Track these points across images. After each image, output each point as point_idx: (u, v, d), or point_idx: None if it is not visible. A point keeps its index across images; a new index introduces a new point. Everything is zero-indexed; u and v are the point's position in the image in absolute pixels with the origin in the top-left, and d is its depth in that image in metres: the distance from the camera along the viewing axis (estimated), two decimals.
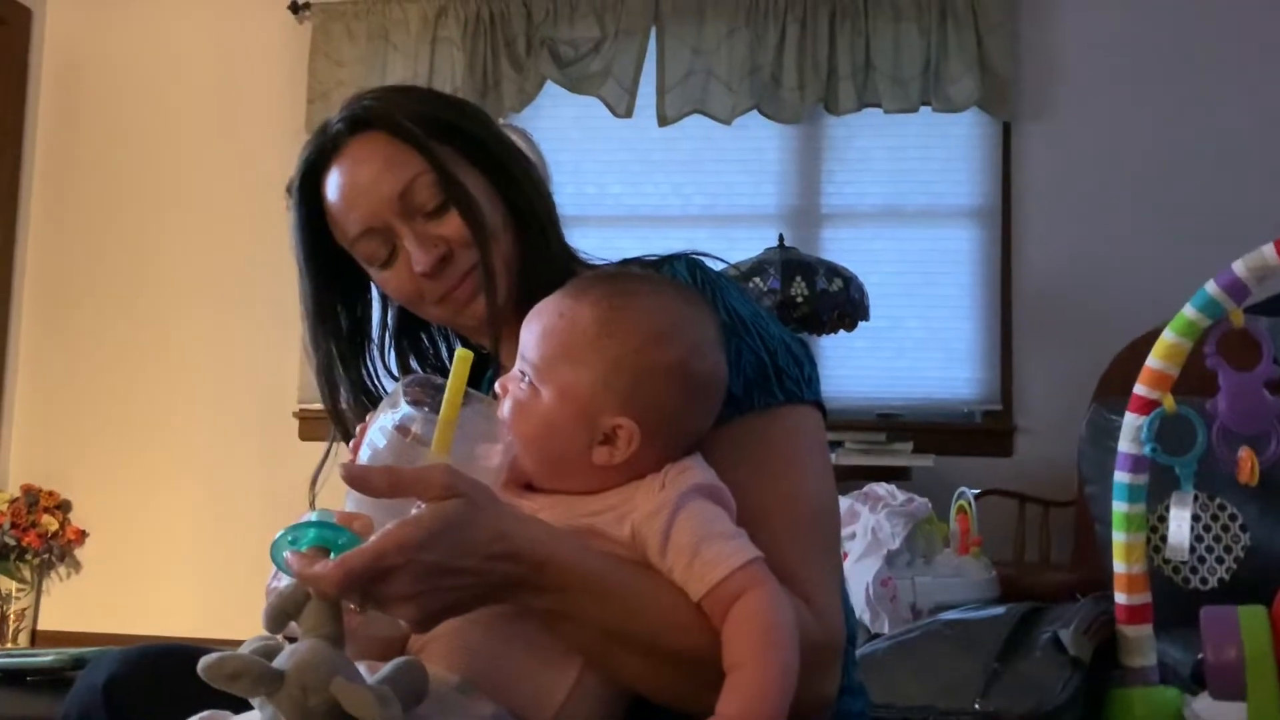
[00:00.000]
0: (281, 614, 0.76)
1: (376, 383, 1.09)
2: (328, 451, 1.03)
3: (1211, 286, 1.43)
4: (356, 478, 0.77)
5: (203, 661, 0.71)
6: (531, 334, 0.88)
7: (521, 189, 1.04)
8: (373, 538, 0.74)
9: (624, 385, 0.83)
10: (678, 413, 0.85)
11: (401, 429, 0.80)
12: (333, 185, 1.01)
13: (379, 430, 0.81)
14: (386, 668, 0.76)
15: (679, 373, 0.85)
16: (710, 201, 3.99)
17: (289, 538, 0.76)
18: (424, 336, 1.15)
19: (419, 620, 0.77)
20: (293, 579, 0.75)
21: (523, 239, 1.03)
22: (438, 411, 0.81)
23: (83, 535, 4.11)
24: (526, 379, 0.86)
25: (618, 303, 0.86)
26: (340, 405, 1.06)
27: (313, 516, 0.78)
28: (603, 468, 0.84)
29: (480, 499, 0.77)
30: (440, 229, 0.99)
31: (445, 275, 1.00)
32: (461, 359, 0.80)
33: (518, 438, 0.86)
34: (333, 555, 0.75)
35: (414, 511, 0.75)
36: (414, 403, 0.83)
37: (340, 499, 0.82)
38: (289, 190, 1.04)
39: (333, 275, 1.06)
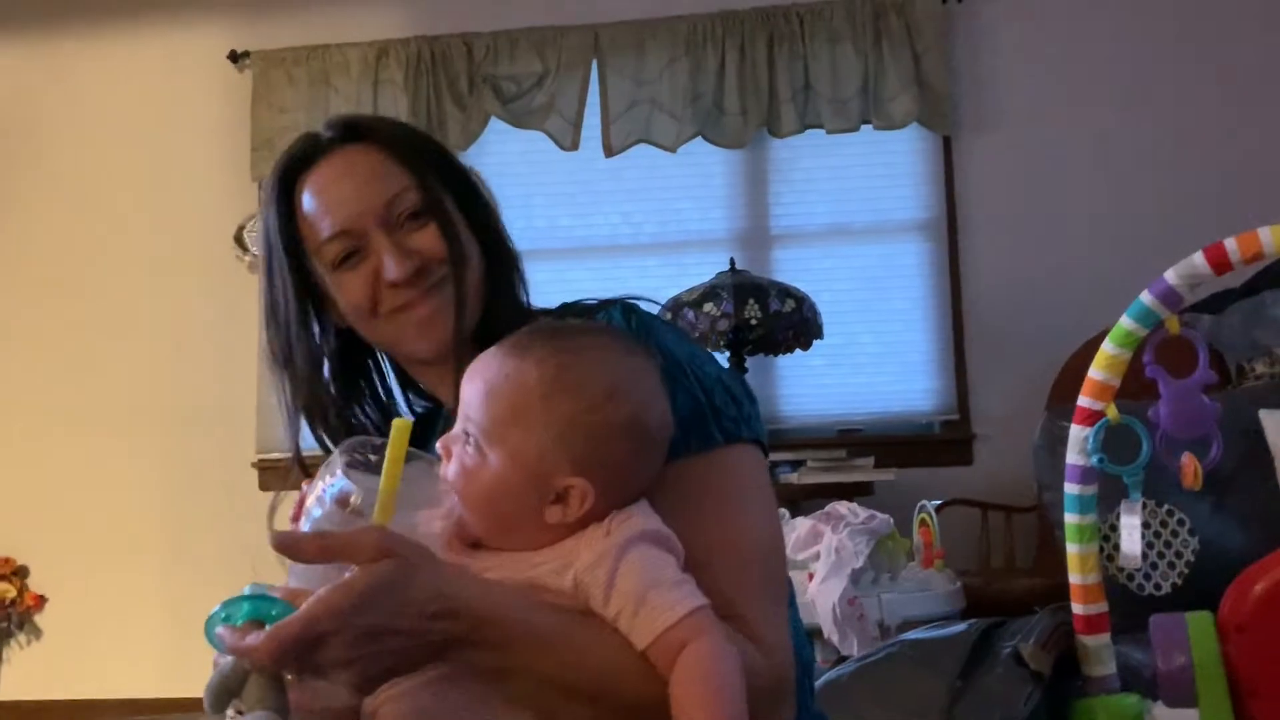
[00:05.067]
0: (223, 692, 0.75)
1: (332, 401, 1.07)
2: (291, 470, 1.02)
3: (1146, 296, 1.46)
4: (286, 545, 0.76)
5: None
6: (475, 393, 0.86)
7: (495, 233, 1.06)
8: (304, 605, 0.73)
9: (576, 446, 0.83)
10: (629, 467, 0.85)
11: (340, 501, 0.80)
12: (316, 184, 1.02)
13: (317, 501, 0.81)
14: None
15: (631, 428, 0.85)
16: (660, 229, 4.01)
17: (222, 614, 0.75)
18: (362, 377, 1.11)
19: (359, 684, 0.76)
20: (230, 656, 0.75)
21: (491, 276, 1.04)
22: (378, 472, 0.81)
23: (42, 601, 4.03)
24: (472, 440, 0.85)
25: (564, 360, 0.85)
26: (324, 404, 1.05)
27: (246, 590, 0.77)
28: (554, 526, 0.84)
29: (415, 558, 0.76)
30: (417, 241, 1.00)
31: (411, 285, 1.00)
32: (399, 429, 0.79)
33: (465, 502, 0.85)
34: (267, 627, 0.74)
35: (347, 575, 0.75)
36: (353, 462, 0.83)
37: None
38: (267, 179, 1.05)
39: (301, 281, 1.05)
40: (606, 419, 0.83)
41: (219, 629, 0.75)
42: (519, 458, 0.83)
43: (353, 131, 1.03)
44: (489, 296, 1.03)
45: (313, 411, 1.05)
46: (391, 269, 0.99)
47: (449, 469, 0.86)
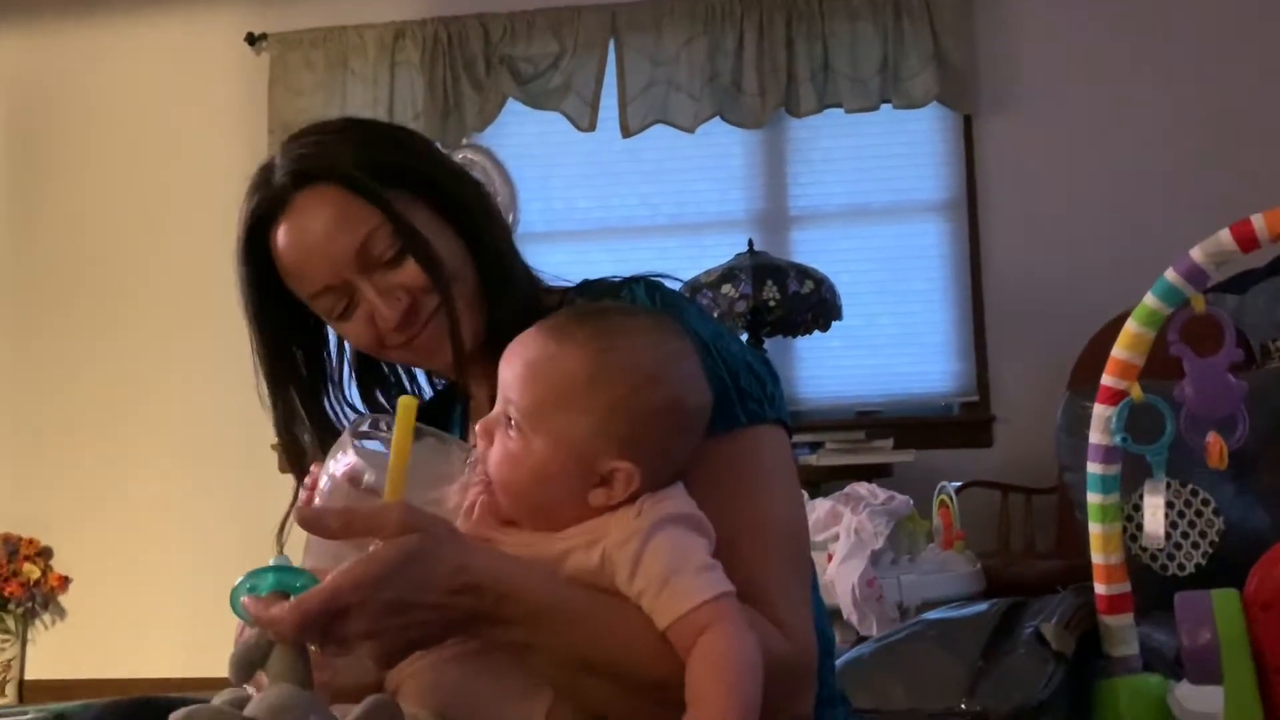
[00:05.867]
0: (247, 663, 0.75)
1: (342, 423, 1.08)
2: (293, 504, 1.02)
3: (1171, 274, 1.44)
4: (309, 520, 0.77)
5: (171, 718, 0.70)
6: (515, 377, 0.86)
7: (478, 222, 1.02)
8: (328, 577, 0.73)
9: (621, 429, 0.82)
10: (671, 449, 0.85)
11: (352, 479, 0.80)
12: (285, 243, 0.98)
13: (329, 479, 0.81)
14: (359, 708, 0.75)
15: (674, 410, 0.85)
16: (678, 210, 4.00)
17: (247, 585, 0.76)
18: (385, 367, 1.13)
19: (382, 657, 0.76)
20: (254, 627, 0.75)
21: (485, 273, 1.01)
22: (389, 449, 0.80)
23: (66, 582, 4.07)
24: (514, 425, 0.85)
25: (605, 344, 0.84)
26: (299, 458, 1.04)
27: (271, 562, 0.77)
28: (596, 508, 0.83)
29: (438, 533, 0.77)
30: (400, 278, 0.97)
31: (409, 324, 0.99)
32: (405, 408, 0.79)
33: (508, 487, 0.85)
34: (292, 599, 0.74)
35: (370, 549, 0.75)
36: (364, 440, 0.83)
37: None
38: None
39: (287, 323, 1.05)
40: (650, 402, 0.83)
41: (244, 599, 0.75)
42: (564, 442, 0.83)
43: (307, 175, 0.98)
44: (490, 297, 1.00)
45: (289, 453, 1.05)
46: (384, 316, 0.97)
47: (491, 453, 0.85)
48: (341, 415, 1.08)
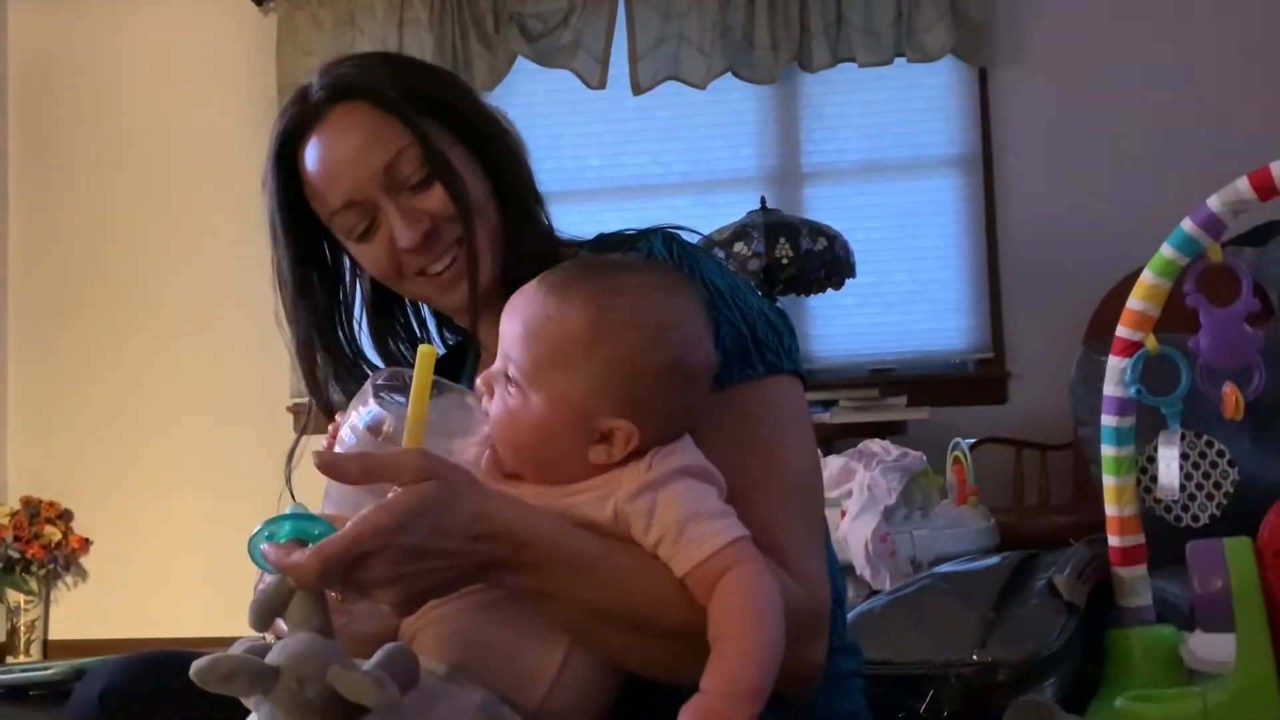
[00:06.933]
0: (267, 611, 0.76)
1: (354, 352, 1.09)
2: (302, 430, 1.03)
3: (1188, 224, 1.42)
4: (329, 464, 0.77)
5: (195, 665, 0.71)
6: (515, 333, 0.85)
7: (505, 163, 1.03)
8: (348, 523, 0.74)
9: (620, 388, 0.82)
10: (673, 407, 0.85)
11: (373, 428, 0.80)
12: (314, 156, 0.99)
13: (350, 429, 0.81)
14: (377, 655, 0.76)
15: (675, 370, 0.84)
16: (690, 168, 3.97)
17: (265, 533, 0.76)
18: (397, 311, 1.14)
19: (401, 603, 0.77)
20: (274, 574, 0.75)
21: (507, 214, 1.02)
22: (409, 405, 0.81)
23: (87, 543, 4.12)
24: (513, 382, 0.85)
25: (606, 302, 0.83)
26: (318, 377, 1.05)
27: (287, 510, 0.77)
28: (597, 465, 0.83)
29: (457, 480, 0.77)
30: (424, 203, 0.98)
31: (428, 249, 0.99)
32: (424, 356, 0.79)
33: (507, 443, 0.85)
34: (309, 546, 0.74)
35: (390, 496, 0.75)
36: (385, 392, 0.83)
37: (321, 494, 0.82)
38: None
39: (310, 246, 1.05)
40: (651, 362, 0.83)
41: (264, 546, 0.76)
42: (563, 401, 0.83)
43: (343, 90, 0.99)
44: (509, 239, 1.01)
45: (308, 373, 1.06)
46: (403, 236, 0.97)
47: (491, 408, 0.85)
48: (351, 347, 1.08)
